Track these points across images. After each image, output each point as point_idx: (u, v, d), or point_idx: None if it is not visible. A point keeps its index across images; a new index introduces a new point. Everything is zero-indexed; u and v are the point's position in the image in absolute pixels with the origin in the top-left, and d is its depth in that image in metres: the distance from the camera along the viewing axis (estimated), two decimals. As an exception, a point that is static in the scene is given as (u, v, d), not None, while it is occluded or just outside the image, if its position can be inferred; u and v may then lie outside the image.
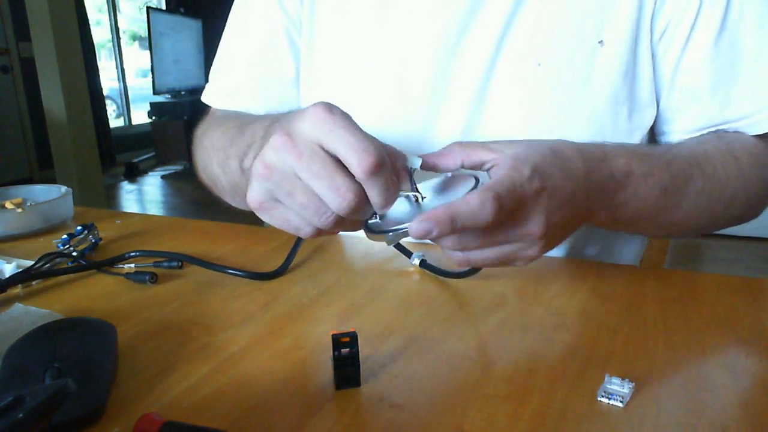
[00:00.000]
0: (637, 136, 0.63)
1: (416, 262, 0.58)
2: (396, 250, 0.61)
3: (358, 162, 0.37)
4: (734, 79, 0.59)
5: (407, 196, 0.42)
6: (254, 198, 0.42)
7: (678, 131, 0.63)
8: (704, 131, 0.61)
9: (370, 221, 0.41)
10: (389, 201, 0.39)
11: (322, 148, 0.38)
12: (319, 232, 0.41)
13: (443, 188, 0.44)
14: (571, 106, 0.61)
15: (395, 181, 0.39)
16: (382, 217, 0.41)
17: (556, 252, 0.67)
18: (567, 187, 0.43)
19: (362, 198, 0.38)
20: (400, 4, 0.64)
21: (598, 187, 0.47)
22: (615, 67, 0.60)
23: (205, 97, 0.78)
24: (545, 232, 0.42)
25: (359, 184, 0.38)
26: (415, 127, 0.65)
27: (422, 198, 0.42)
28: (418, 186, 0.42)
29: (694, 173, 0.54)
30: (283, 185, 0.40)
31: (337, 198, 0.38)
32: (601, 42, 0.59)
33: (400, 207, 0.41)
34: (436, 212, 0.37)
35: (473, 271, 0.54)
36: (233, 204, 0.68)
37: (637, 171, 0.49)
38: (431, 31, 0.63)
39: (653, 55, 0.61)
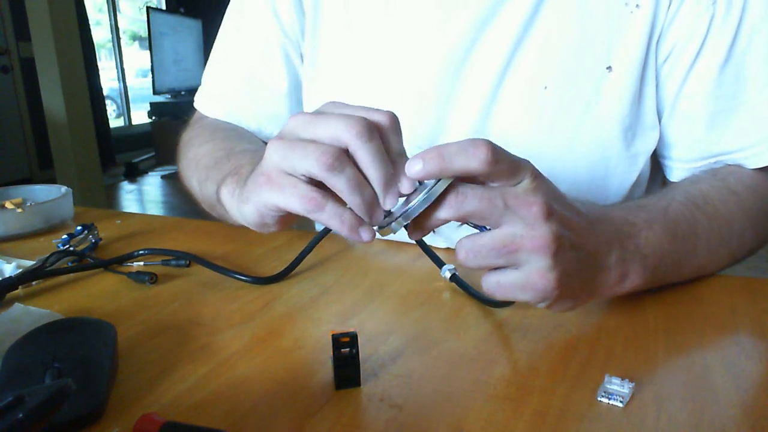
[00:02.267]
0: (640, 160, 0.62)
1: (447, 275, 0.54)
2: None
3: (375, 113, 0.40)
4: (736, 110, 0.58)
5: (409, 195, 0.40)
6: (264, 171, 0.42)
7: (677, 158, 0.63)
8: (703, 161, 0.61)
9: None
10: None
11: None
12: (323, 200, 0.40)
13: None
14: (577, 129, 0.60)
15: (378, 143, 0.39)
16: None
17: None
18: (569, 203, 0.42)
19: (373, 127, 0.39)
20: (407, 23, 0.64)
21: (604, 235, 0.44)
22: (623, 92, 0.59)
23: (198, 103, 0.78)
24: (548, 209, 0.39)
25: None
26: (419, 145, 0.65)
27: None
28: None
29: (695, 214, 0.52)
30: (291, 143, 0.40)
31: (349, 120, 0.38)
32: (609, 68, 0.59)
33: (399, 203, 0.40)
34: (425, 150, 0.38)
35: (507, 303, 0.49)
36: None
37: (637, 221, 0.47)
38: (438, 50, 0.62)
39: (657, 78, 0.60)
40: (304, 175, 0.40)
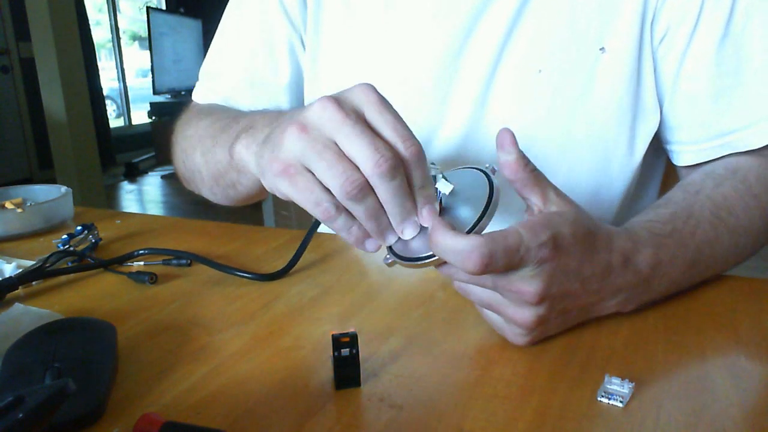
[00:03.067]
0: (641, 144, 0.62)
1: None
2: None
3: (402, 144, 0.39)
4: (738, 87, 0.58)
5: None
6: (282, 159, 0.41)
7: (682, 141, 0.62)
8: (709, 141, 0.60)
9: (393, 245, 0.43)
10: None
11: (365, 120, 0.40)
12: (336, 213, 0.41)
13: (462, 189, 0.43)
14: (572, 112, 0.60)
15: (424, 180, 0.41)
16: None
17: None
18: (580, 270, 0.41)
19: (398, 164, 0.39)
20: (405, 16, 0.64)
21: (617, 285, 0.44)
22: (617, 74, 0.59)
23: (195, 97, 0.78)
24: (540, 299, 0.39)
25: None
26: (417, 133, 0.65)
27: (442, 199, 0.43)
28: (441, 185, 0.43)
29: (719, 233, 0.52)
30: (316, 144, 0.39)
31: (375, 154, 0.38)
32: (602, 49, 0.59)
33: (422, 233, 0.42)
34: (435, 237, 0.38)
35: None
36: (211, 198, 0.67)
37: (664, 258, 0.46)
38: (434, 39, 0.63)
39: (654, 60, 0.60)
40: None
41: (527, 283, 0.39)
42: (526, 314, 0.40)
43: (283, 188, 0.42)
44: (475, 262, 0.36)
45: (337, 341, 0.38)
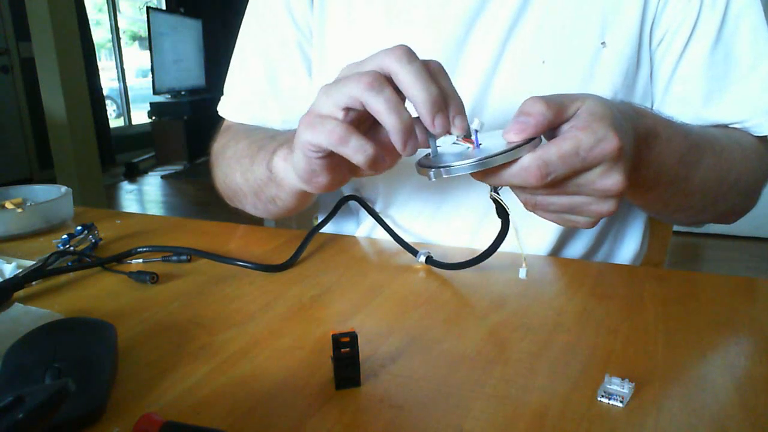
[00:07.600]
0: None
1: (422, 259, 0.58)
2: (400, 247, 0.62)
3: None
4: (726, 89, 0.61)
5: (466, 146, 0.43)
6: (308, 110, 0.45)
7: None
8: None
9: (422, 158, 0.44)
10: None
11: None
12: (346, 135, 0.42)
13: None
14: None
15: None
16: (434, 158, 0.43)
17: (541, 249, 0.67)
18: (630, 143, 0.44)
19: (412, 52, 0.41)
20: (408, 6, 0.65)
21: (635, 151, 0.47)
22: (616, 68, 0.61)
23: (222, 111, 0.78)
24: (623, 189, 0.41)
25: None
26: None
27: (477, 145, 0.43)
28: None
29: (706, 149, 0.56)
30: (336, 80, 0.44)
31: (389, 50, 0.41)
32: (603, 43, 0.61)
33: (454, 150, 0.43)
34: (488, 160, 0.39)
35: (477, 260, 0.53)
36: (255, 213, 0.69)
37: (662, 133, 0.50)
38: (438, 30, 0.63)
39: (651, 60, 0.62)
40: (347, 107, 0.42)
41: (610, 179, 0.40)
42: (610, 204, 0.42)
43: (305, 135, 0.44)
44: (535, 175, 0.39)
45: (337, 341, 0.38)
